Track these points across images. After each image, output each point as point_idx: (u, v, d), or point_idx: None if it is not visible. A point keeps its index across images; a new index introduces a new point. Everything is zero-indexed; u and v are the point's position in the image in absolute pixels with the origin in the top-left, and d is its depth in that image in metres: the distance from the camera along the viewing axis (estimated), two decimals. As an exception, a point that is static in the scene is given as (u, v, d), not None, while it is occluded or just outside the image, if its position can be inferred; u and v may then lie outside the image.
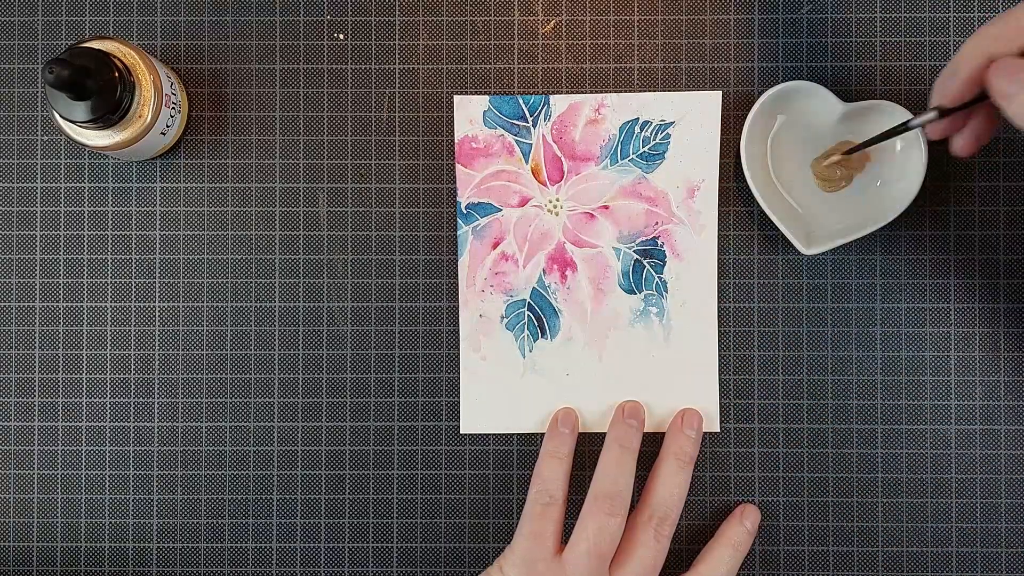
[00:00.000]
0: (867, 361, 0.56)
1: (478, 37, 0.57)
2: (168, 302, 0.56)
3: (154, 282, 0.56)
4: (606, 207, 0.56)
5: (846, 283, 0.56)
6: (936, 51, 0.56)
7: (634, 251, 0.56)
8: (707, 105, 0.56)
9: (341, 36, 0.57)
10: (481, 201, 0.56)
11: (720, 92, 0.56)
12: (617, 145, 0.56)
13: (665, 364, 0.56)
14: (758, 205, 0.54)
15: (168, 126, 0.53)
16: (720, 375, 0.56)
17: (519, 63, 0.56)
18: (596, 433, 0.56)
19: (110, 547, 0.56)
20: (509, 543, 0.52)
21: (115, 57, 0.50)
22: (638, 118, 0.56)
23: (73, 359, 0.56)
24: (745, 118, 0.54)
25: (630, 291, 0.56)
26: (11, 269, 0.56)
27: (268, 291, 0.56)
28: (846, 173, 0.55)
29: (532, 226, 0.56)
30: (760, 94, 0.53)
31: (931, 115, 0.47)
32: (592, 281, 0.56)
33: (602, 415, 0.56)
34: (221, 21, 0.57)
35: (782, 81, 0.55)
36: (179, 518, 0.56)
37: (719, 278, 0.56)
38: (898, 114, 0.53)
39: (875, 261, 0.56)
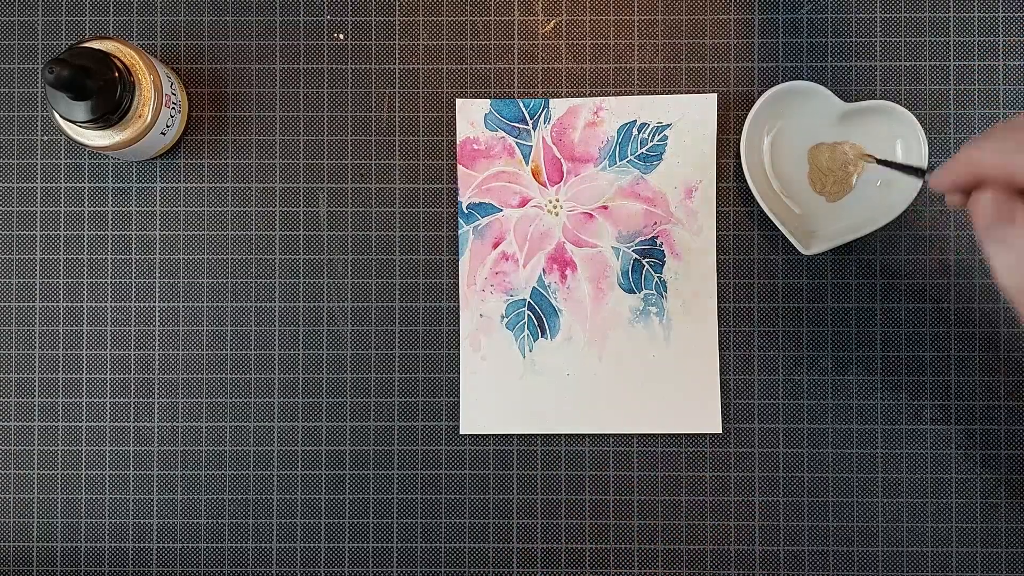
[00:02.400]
0: (867, 361, 0.56)
1: (478, 37, 0.57)
2: (168, 302, 0.56)
3: (154, 282, 0.56)
4: (605, 207, 0.56)
5: (846, 283, 0.56)
6: (936, 51, 0.56)
7: (633, 251, 0.56)
8: (703, 108, 0.56)
9: (341, 36, 0.57)
10: (482, 201, 0.56)
11: (715, 95, 0.56)
12: (615, 147, 0.56)
13: (665, 364, 0.56)
14: (758, 205, 0.54)
15: (168, 126, 0.53)
16: (720, 375, 0.56)
17: (519, 63, 0.56)
18: (597, 434, 0.56)
19: (110, 547, 0.56)
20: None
21: (115, 57, 0.50)
22: (635, 120, 0.56)
23: (73, 359, 0.56)
24: (745, 118, 0.54)
25: (630, 291, 0.56)
26: (11, 269, 0.56)
27: (268, 291, 0.56)
28: (846, 170, 0.55)
29: (532, 226, 0.56)
30: (760, 94, 0.54)
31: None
32: (592, 281, 0.56)
33: (602, 415, 0.56)
34: (221, 21, 0.57)
35: (782, 81, 0.55)
36: (179, 518, 0.56)
37: (719, 278, 0.56)
38: (898, 114, 0.53)
39: (875, 261, 0.56)
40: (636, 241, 0.56)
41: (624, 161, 0.56)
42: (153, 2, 0.57)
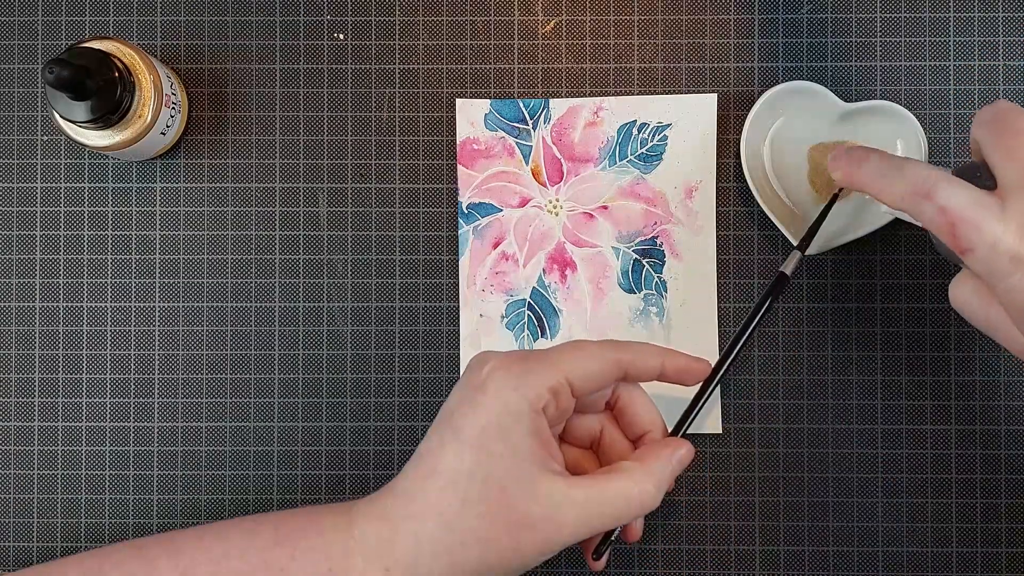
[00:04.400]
0: (867, 361, 0.56)
1: (478, 37, 0.57)
2: (168, 302, 0.56)
3: (154, 282, 0.56)
4: (605, 207, 0.56)
5: (846, 283, 0.56)
6: (936, 51, 0.56)
7: (633, 251, 0.56)
8: (702, 108, 0.56)
9: (341, 36, 0.57)
10: (482, 201, 0.56)
11: (715, 95, 0.56)
12: (615, 147, 0.56)
13: (665, 364, 0.56)
14: (758, 205, 0.54)
15: (168, 126, 0.53)
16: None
17: (519, 63, 0.57)
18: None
19: (110, 547, 0.56)
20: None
21: (115, 57, 0.50)
22: (635, 120, 0.56)
23: (73, 359, 0.56)
24: (745, 118, 0.54)
25: (629, 290, 0.56)
26: (11, 269, 0.56)
27: (268, 291, 0.56)
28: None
29: (532, 226, 0.56)
30: (760, 94, 0.54)
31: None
32: (592, 281, 0.56)
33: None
34: (221, 21, 0.57)
35: (782, 81, 0.55)
36: (179, 518, 0.56)
37: (719, 278, 0.56)
38: (898, 114, 0.53)
39: (875, 261, 0.56)
40: (636, 241, 0.56)
41: (624, 161, 0.56)
42: (153, 2, 0.57)
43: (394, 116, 0.57)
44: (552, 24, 0.57)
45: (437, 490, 0.42)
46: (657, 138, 0.56)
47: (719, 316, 0.56)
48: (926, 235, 0.56)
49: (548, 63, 0.57)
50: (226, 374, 0.56)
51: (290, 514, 0.45)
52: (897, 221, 0.54)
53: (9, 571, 0.56)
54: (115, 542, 0.56)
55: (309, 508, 0.45)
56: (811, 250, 0.53)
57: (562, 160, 0.56)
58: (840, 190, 0.53)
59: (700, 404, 0.50)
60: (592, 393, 0.46)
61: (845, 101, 0.54)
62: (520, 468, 0.42)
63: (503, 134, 0.56)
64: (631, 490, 0.43)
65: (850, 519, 0.56)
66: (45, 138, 0.57)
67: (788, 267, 0.51)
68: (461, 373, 0.56)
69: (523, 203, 0.56)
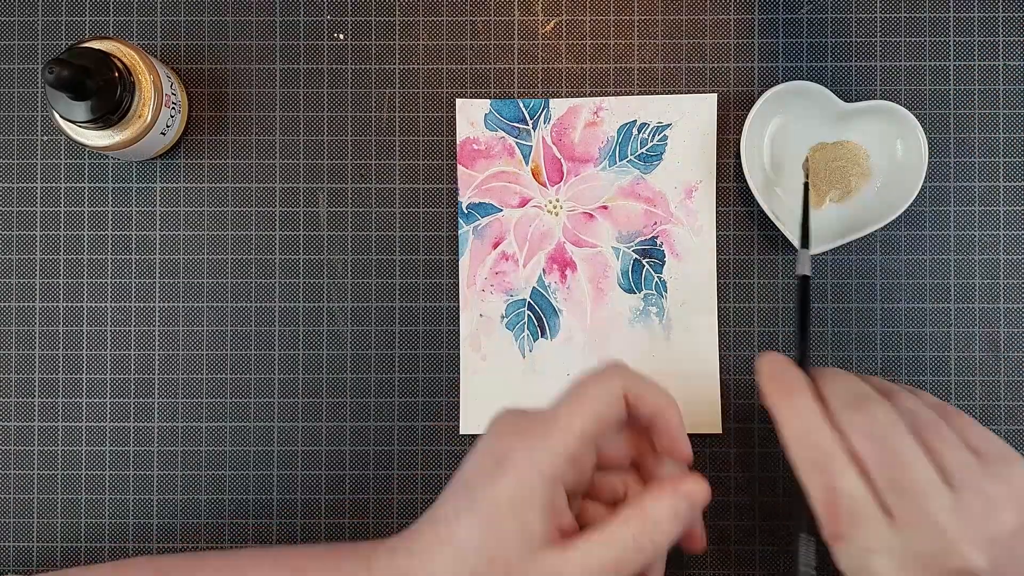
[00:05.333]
0: (867, 361, 0.56)
1: (478, 37, 0.57)
2: (168, 302, 0.56)
3: (154, 282, 0.56)
4: (605, 207, 0.56)
5: (846, 283, 0.56)
6: (936, 51, 0.56)
7: (633, 251, 0.56)
8: (703, 108, 0.56)
9: (341, 36, 0.57)
10: (482, 201, 0.56)
11: (715, 95, 0.56)
12: (615, 147, 0.56)
13: (665, 364, 0.56)
14: (758, 205, 0.54)
15: (168, 126, 0.53)
16: (720, 375, 0.56)
17: (519, 63, 0.57)
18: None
19: (110, 547, 0.56)
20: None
21: (115, 57, 0.50)
22: (635, 120, 0.56)
23: (73, 359, 0.56)
24: (745, 118, 0.54)
25: (630, 290, 0.56)
26: (11, 269, 0.56)
27: (268, 291, 0.56)
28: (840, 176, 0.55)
29: (532, 226, 0.56)
30: (760, 94, 0.54)
31: None
32: (592, 281, 0.56)
33: (602, 415, 0.56)
34: (221, 21, 0.57)
35: (782, 81, 0.55)
36: (179, 518, 0.56)
37: (719, 278, 0.56)
38: (898, 114, 0.53)
39: (875, 261, 0.56)
40: (636, 241, 0.56)
41: (624, 161, 0.56)
42: (153, 2, 0.57)
43: (394, 116, 0.57)
44: (552, 24, 0.57)
45: (449, 557, 0.44)
46: (657, 138, 0.56)
47: (719, 316, 0.56)
48: (928, 237, 0.56)
49: (548, 63, 0.57)
50: (226, 374, 0.56)
51: (308, 556, 0.46)
52: (897, 221, 0.54)
53: (10, 572, 0.56)
54: (115, 542, 0.56)
55: (327, 549, 0.47)
56: (814, 250, 0.53)
57: (562, 160, 0.56)
58: (806, 179, 0.54)
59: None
60: (608, 432, 0.46)
61: (845, 101, 0.54)
62: (527, 546, 0.43)
63: (503, 134, 0.56)
64: (626, 539, 0.44)
65: (850, 519, 0.56)
66: (45, 138, 0.57)
67: (805, 268, 0.51)
68: (461, 372, 0.56)
69: (523, 203, 0.56)
